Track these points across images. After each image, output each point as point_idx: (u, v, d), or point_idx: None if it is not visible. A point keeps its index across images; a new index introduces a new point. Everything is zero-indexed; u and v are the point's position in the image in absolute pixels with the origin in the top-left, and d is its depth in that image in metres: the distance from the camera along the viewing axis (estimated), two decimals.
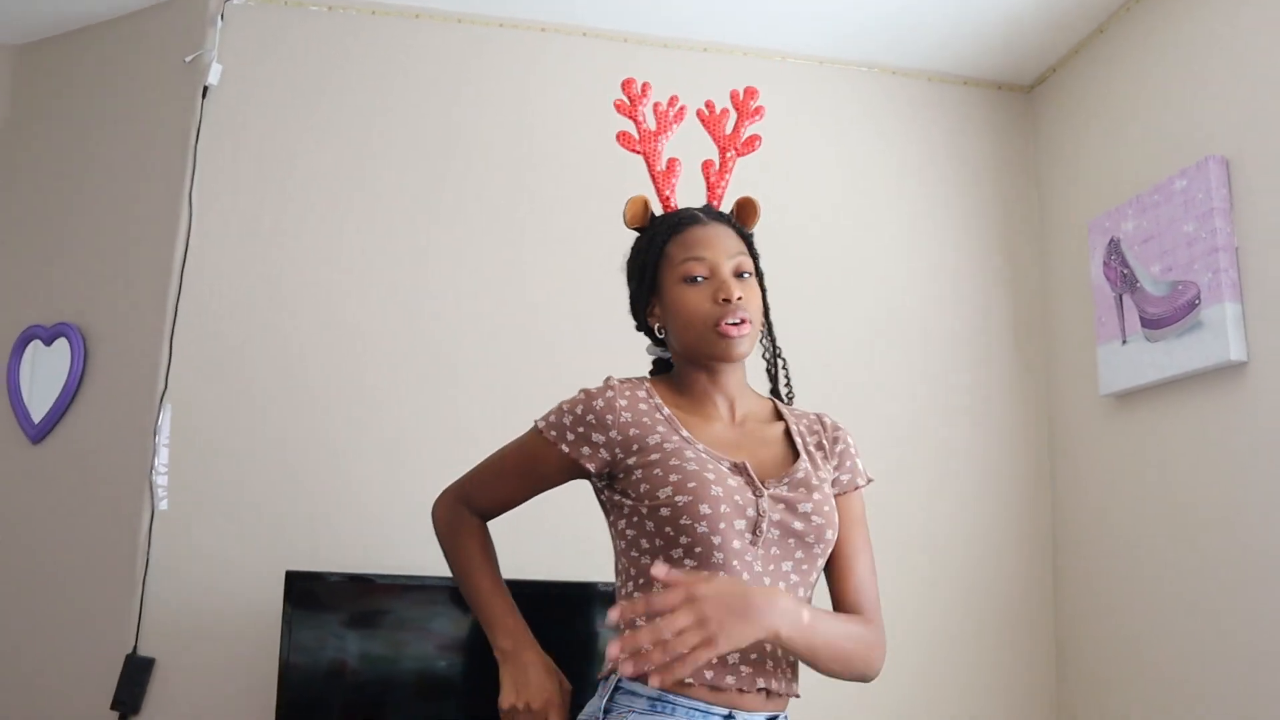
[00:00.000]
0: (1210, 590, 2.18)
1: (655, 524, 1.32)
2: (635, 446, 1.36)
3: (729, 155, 1.57)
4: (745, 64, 2.77)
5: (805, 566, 1.36)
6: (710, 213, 1.47)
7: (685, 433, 1.38)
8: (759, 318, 1.42)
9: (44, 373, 2.50)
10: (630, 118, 1.54)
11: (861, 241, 2.74)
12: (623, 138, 1.54)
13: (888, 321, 2.72)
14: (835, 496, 1.45)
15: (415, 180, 2.55)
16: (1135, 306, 2.41)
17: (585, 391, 1.41)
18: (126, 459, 2.35)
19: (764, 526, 1.32)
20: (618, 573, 1.40)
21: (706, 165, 1.56)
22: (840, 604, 1.42)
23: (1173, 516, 2.30)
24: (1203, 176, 2.23)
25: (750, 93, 1.60)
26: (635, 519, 1.35)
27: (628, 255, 1.52)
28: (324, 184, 2.51)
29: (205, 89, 2.48)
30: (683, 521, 1.30)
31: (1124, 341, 2.44)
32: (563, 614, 2.21)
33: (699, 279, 1.38)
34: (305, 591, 2.12)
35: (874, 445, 2.63)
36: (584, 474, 1.41)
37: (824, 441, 1.48)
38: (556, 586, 2.19)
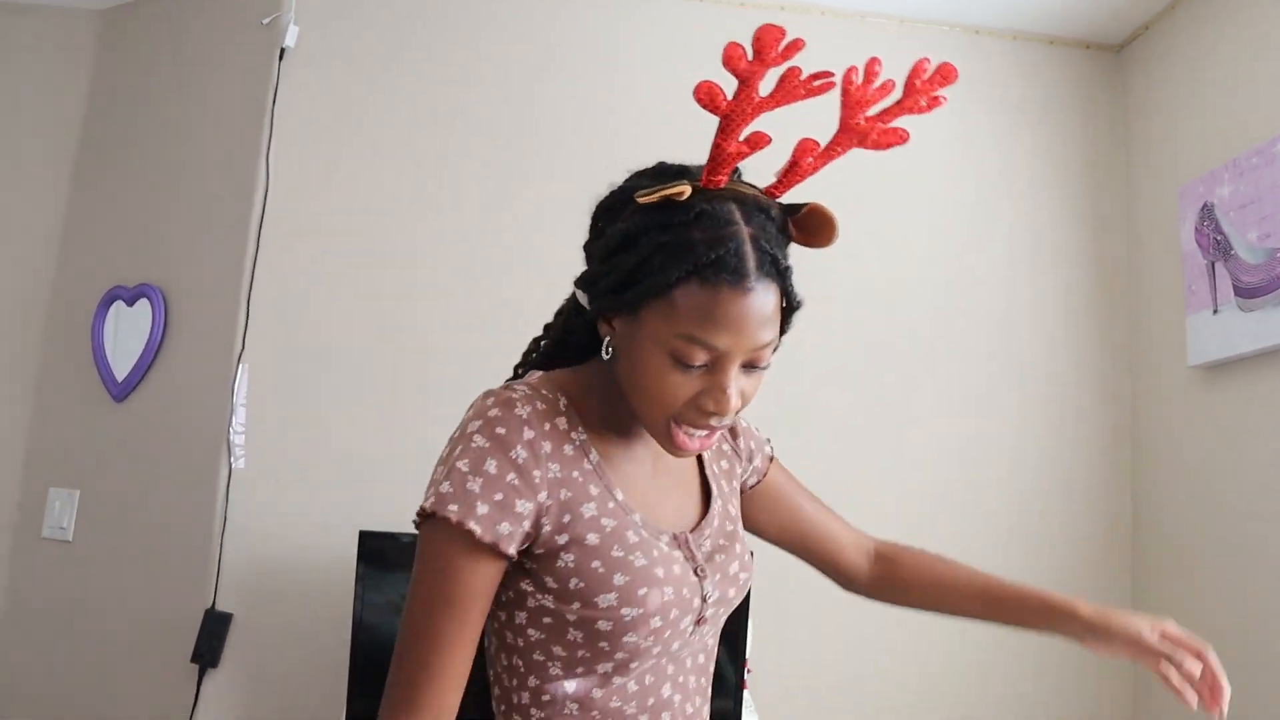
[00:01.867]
0: None
1: (584, 634, 0.99)
2: (566, 518, 0.98)
3: (847, 144, 1.02)
4: (821, 23, 2.71)
5: (723, 621, 1.14)
6: (762, 245, 0.94)
7: (620, 495, 1.03)
8: (744, 405, 1.00)
9: (126, 333, 2.55)
10: (742, 75, 0.94)
11: (941, 208, 2.67)
12: (705, 91, 0.94)
13: (968, 288, 2.65)
14: (754, 490, 1.24)
15: (491, 141, 2.54)
16: (1229, 274, 2.31)
17: (489, 434, 0.97)
18: (205, 418, 2.39)
19: (706, 613, 1.06)
20: (501, 667, 1.05)
21: (805, 148, 1.01)
22: (842, 553, 1.30)
23: (1266, 493, 2.21)
24: None
25: (946, 72, 1.05)
26: (549, 621, 1.00)
27: (609, 200, 1.07)
28: (399, 145, 2.51)
29: (282, 51, 2.49)
30: (626, 639, 0.99)
31: (1215, 311, 2.35)
32: None
33: (693, 367, 0.95)
34: (378, 551, 2.15)
35: (950, 418, 2.59)
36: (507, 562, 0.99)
37: (724, 447, 1.22)
38: None
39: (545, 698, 1.02)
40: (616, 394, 1.04)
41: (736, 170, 1.01)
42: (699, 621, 1.06)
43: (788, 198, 1.03)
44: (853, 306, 2.58)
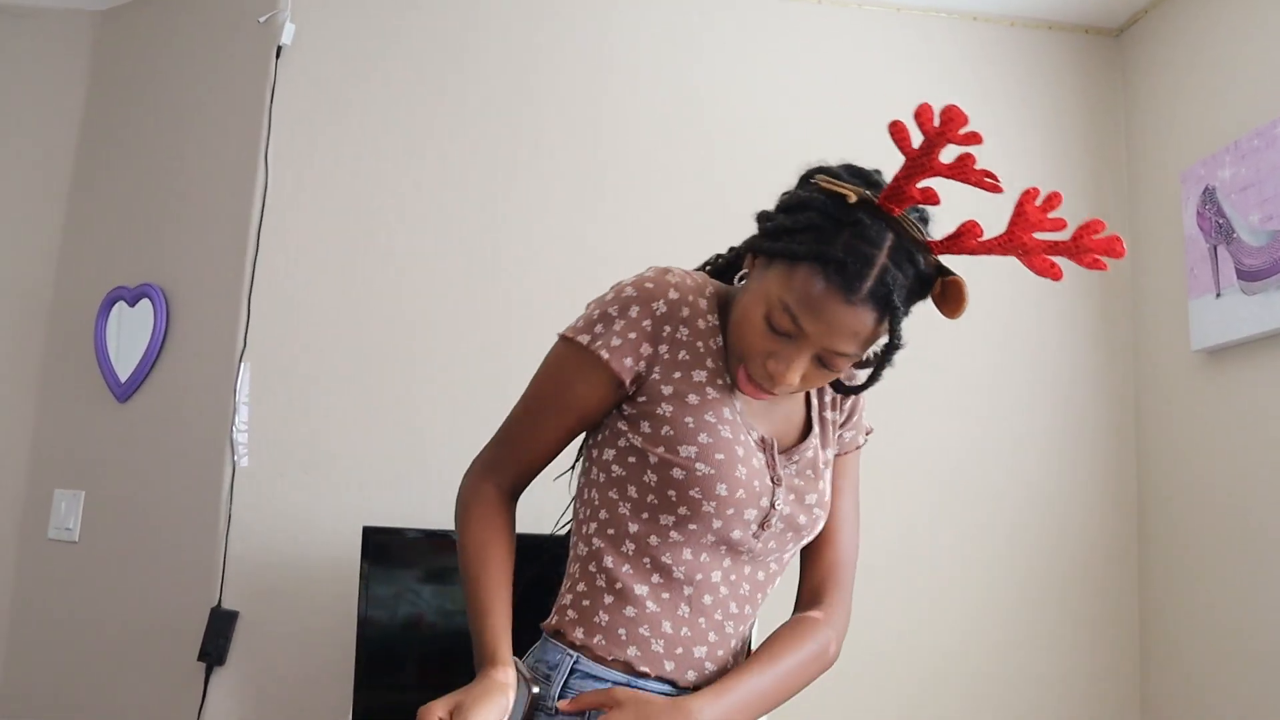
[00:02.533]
0: None
1: (658, 479, 1.11)
2: (677, 374, 1.12)
3: (1005, 250, 1.09)
4: (818, 10, 2.70)
5: (788, 556, 1.22)
6: (887, 282, 1.03)
7: (726, 378, 1.14)
8: (802, 390, 1.16)
9: (129, 333, 2.55)
10: (928, 135, 1.04)
11: (942, 195, 2.65)
12: (900, 127, 1.05)
13: (967, 274, 2.63)
14: (835, 457, 1.29)
15: (490, 137, 2.54)
16: (1231, 258, 2.30)
17: (639, 287, 1.13)
18: (208, 417, 2.39)
19: (772, 520, 1.16)
20: (582, 502, 1.20)
21: (970, 229, 1.08)
22: (807, 581, 1.26)
23: (1270, 479, 2.21)
24: None
25: (1115, 246, 1.06)
26: (633, 460, 1.13)
27: (811, 171, 1.14)
28: (398, 142, 2.51)
29: (279, 49, 2.49)
30: (692, 493, 1.10)
31: (1218, 295, 2.34)
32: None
33: (776, 332, 1.06)
34: (382, 546, 2.15)
35: (951, 402, 2.59)
36: (623, 392, 1.14)
37: (841, 404, 1.28)
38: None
39: (610, 531, 1.15)
40: None
41: (921, 211, 1.09)
42: (762, 526, 1.15)
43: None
44: None
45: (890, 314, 1.04)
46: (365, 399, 2.39)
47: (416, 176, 2.50)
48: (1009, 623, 2.53)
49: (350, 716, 2.12)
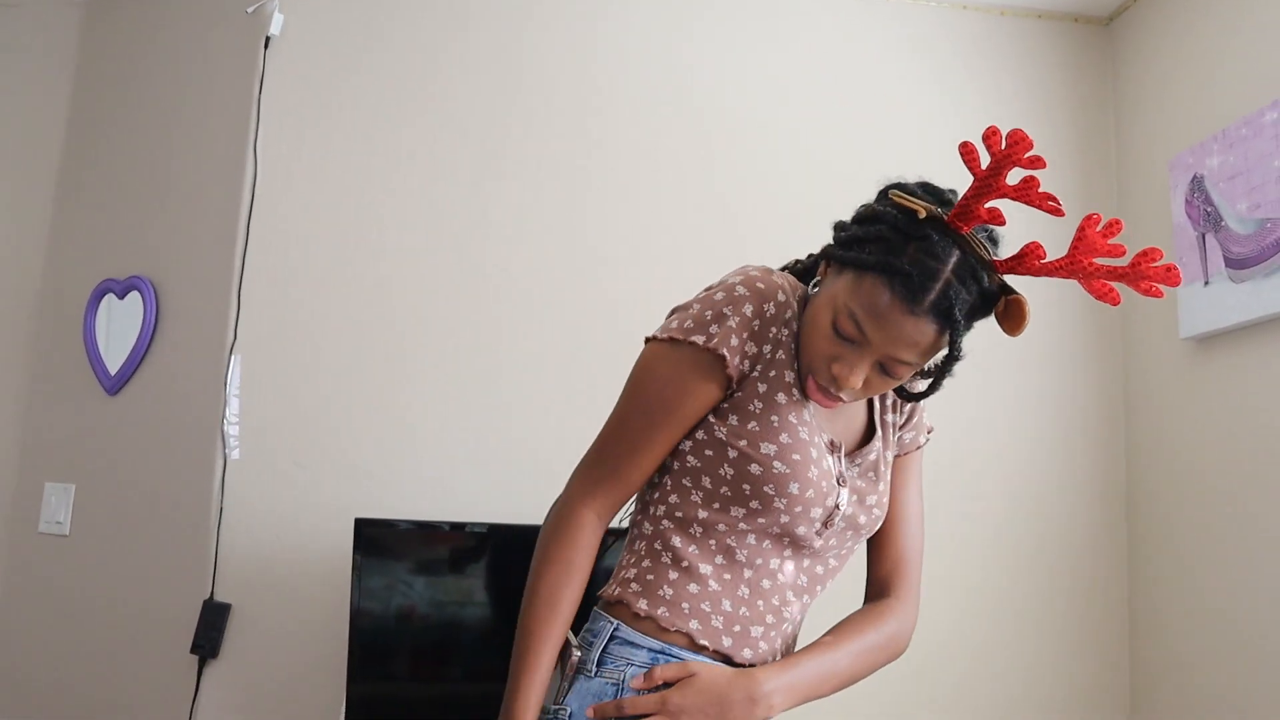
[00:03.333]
0: None
1: (735, 471, 1.16)
2: (772, 373, 1.16)
3: (1065, 273, 1.10)
4: (807, 3, 2.70)
5: (846, 553, 1.28)
6: (950, 296, 1.06)
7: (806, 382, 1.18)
8: (866, 396, 1.19)
9: (118, 326, 2.54)
10: (995, 155, 1.07)
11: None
12: (971, 148, 1.09)
13: None
14: (895, 458, 1.33)
15: (480, 129, 2.53)
16: (1219, 246, 2.31)
17: (750, 285, 1.15)
18: (199, 409, 2.39)
19: (835, 520, 1.21)
20: (651, 484, 1.23)
21: (1033, 250, 1.09)
22: (874, 572, 1.31)
23: (1258, 467, 2.22)
24: None
25: (1172, 275, 1.12)
26: (711, 453, 1.17)
27: (890, 187, 1.16)
28: (388, 133, 2.50)
29: (267, 39, 2.47)
30: (766, 489, 1.15)
31: (1206, 283, 2.35)
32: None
33: (841, 337, 1.11)
34: (374, 538, 2.15)
35: (942, 395, 2.58)
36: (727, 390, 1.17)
37: (897, 400, 1.33)
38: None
39: (679, 514, 1.19)
40: None
41: (990, 230, 1.12)
42: (826, 524, 1.20)
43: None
44: None
45: (951, 327, 1.07)
46: (357, 391, 2.39)
47: (406, 168, 2.50)
48: (998, 612, 2.55)
49: (344, 708, 2.12)
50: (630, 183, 2.55)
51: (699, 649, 1.18)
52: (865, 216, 1.14)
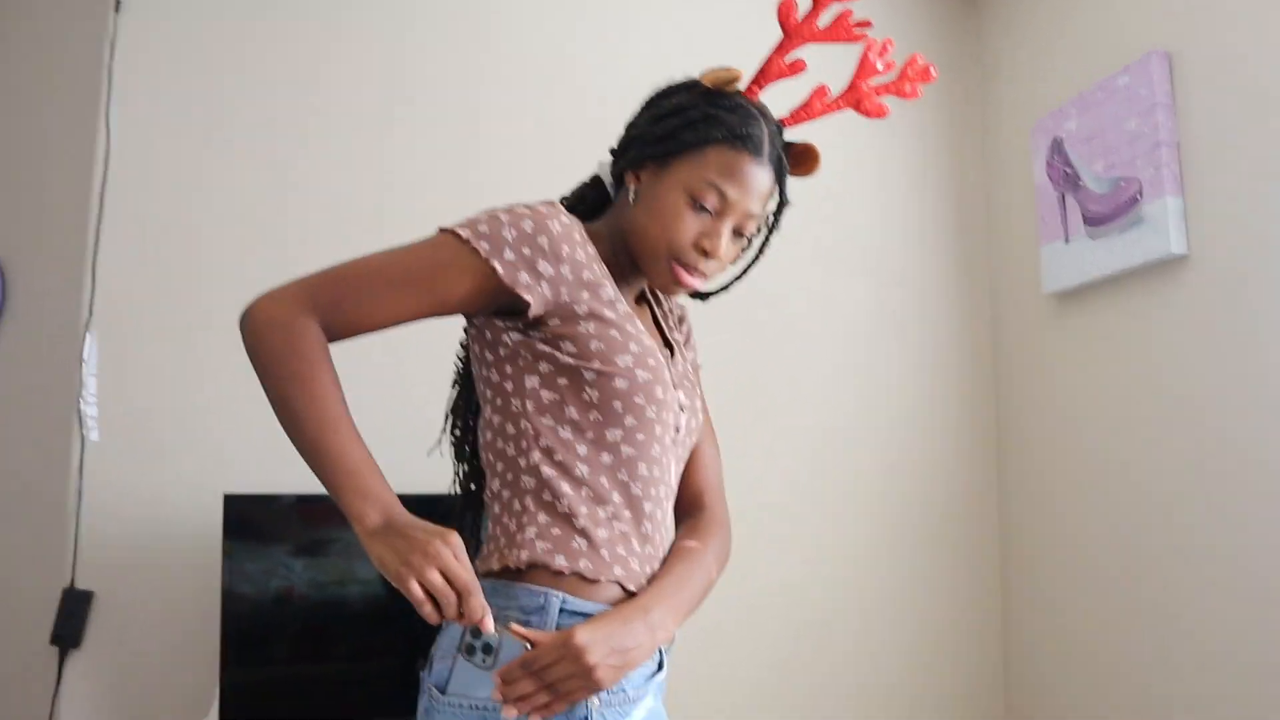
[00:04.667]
0: (1159, 486, 2.20)
1: (600, 395, 1.13)
2: (586, 294, 1.14)
3: (847, 102, 1.29)
4: None
5: (682, 464, 1.28)
6: (775, 144, 1.21)
7: (622, 300, 1.19)
8: (719, 272, 1.23)
9: None
10: (817, 3, 1.24)
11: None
12: (786, 6, 1.24)
13: (828, 226, 2.69)
14: None
15: (349, 85, 2.46)
16: (1078, 205, 2.40)
17: (531, 208, 1.14)
18: (54, 390, 2.26)
19: (682, 424, 1.23)
20: (507, 438, 1.15)
21: (820, 91, 1.28)
22: (684, 493, 1.30)
23: (1122, 415, 2.32)
24: (1145, 72, 2.21)
25: (928, 72, 1.35)
26: (565, 382, 1.14)
27: (667, 88, 1.26)
28: (251, 95, 2.40)
29: (117, 3, 2.35)
30: (636, 400, 1.14)
31: (1067, 240, 2.43)
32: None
33: (704, 208, 1.17)
34: (244, 515, 2.07)
35: (812, 349, 2.63)
36: (496, 306, 1.13)
37: (675, 321, 1.37)
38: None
39: (558, 457, 1.13)
40: (619, 244, 1.23)
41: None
42: (676, 429, 1.21)
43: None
44: None
45: (780, 172, 1.22)
46: (222, 363, 2.28)
47: (269, 130, 2.40)
48: (874, 569, 2.61)
49: (217, 696, 2.05)
50: (519, 145, 2.51)
51: (628, 595, 1.14)
52: (673, 110, 1.21)
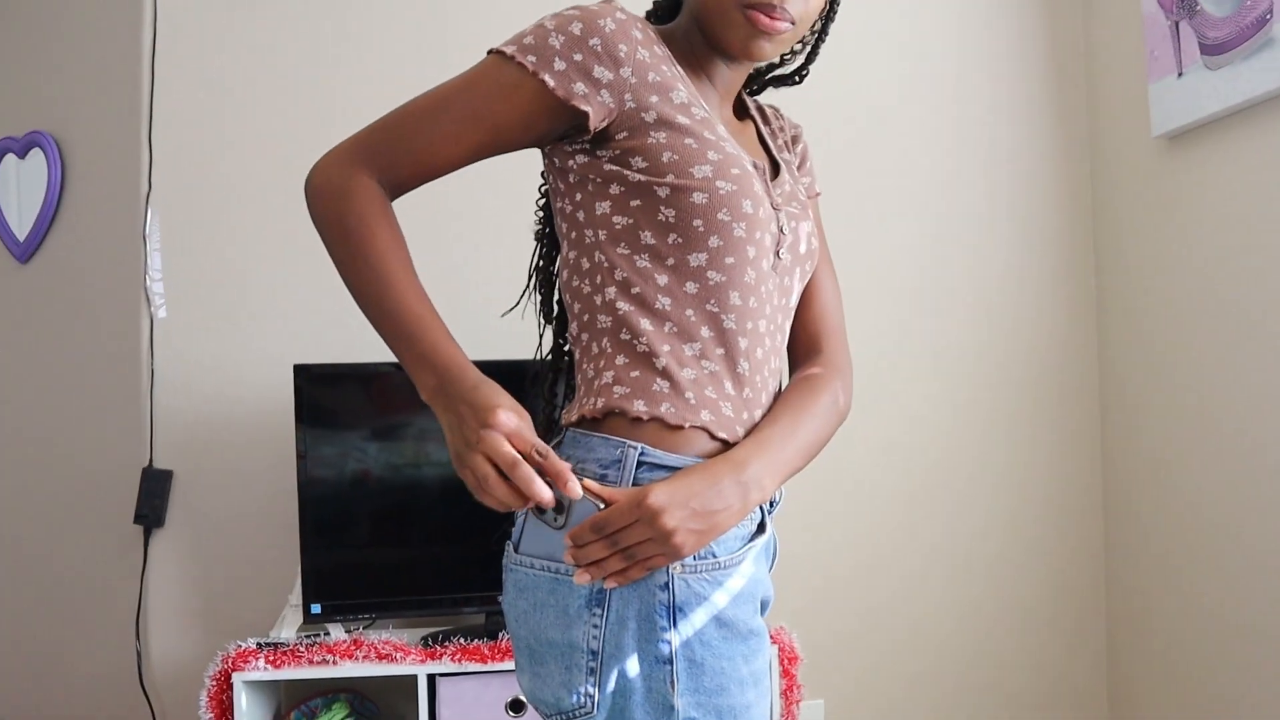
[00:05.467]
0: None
1: (677, 212, 0.99)
2: (654, 98, 1.00)
3: None
4: None
5: (795, 299, 1.14)
6: None
7: (703, 103, 1.04)
8: (806, 22, 1.06)
9: (23, 188, 2.35)
10: None
11: None
12: None
13: (914, 64, 2.50)
14: None
15: None
16: (1194, 33, 2.19)
17: (580, 7, 1.00)
18: (119, 269, 2.22)
19: (783, 248, 1.07)
20: (581, 274, 1.05)
21: None
22: (800, 329, 1.16)
23: (1239, 268, 2.14)
24: None
25: None
26: (638, 202, 1.00)
27: None
28: None
29: None
30: (720, 216, 0.99)
31: (1180, 74, 2.23)
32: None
33: None
34: (316, 384, 2.02)
35: (898, 197, 2.48)
36: (560, 128, 1.02)
37: (786, 141, 1.22)
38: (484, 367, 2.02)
39: (635, 290, 1.01)
40: (695, 39, 1.08)
41: None
42: (776, 253, 1.06)
43: None
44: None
45: None
46: (286, 231, 2.21)
47: None
48: (970, 422, 2.49)
49: (299, 575, 2.03)
50: None
51: (718, 442, 1.01)
52: None
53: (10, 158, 2.37)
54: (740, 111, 1.18)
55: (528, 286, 1.20)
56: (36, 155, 2.34)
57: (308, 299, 2.20)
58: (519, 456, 0.90)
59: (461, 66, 1.05)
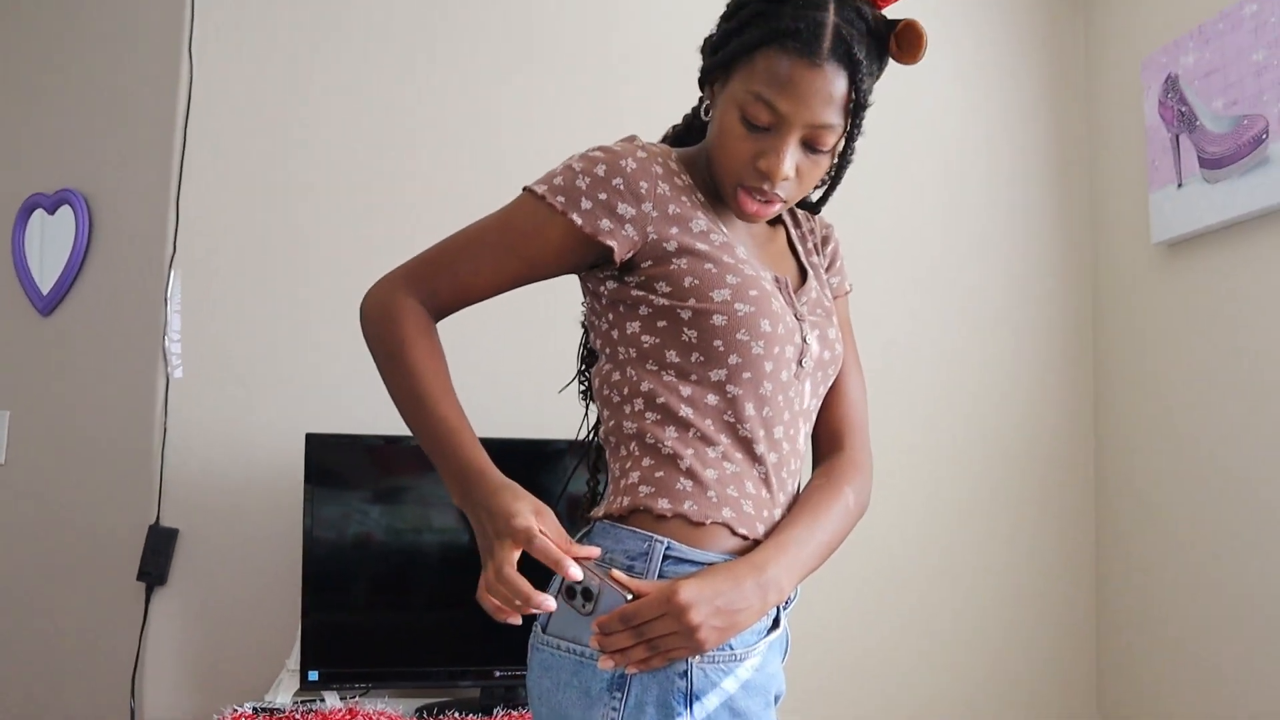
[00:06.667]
0: (1273, 453, 2.08)
1: (699, 334, 1.06)
2: (675, 229, 1.07)
3: None
4: None
5: (819, 403, 1.19)
6: (844, 36, 1.02)
7: (725, 228, 1.11)
8: (804, 192, 1.12)
9: (50, 243, 2.41)
10: None
11: (896, 82, 2.57)
12: None
13: (922, 163, 2.58)
14: None
15: (430, 24, 2.40)
16: (1193, 147, 2.26)
17: (604, 149, 1.08)
18: (139, 327, 2.27)
19: (806, 358, 1.12)
20: (613, 385, 1.12)
21: None
22: (823, 428, 1.21)
23: (1232, 372, 2.19)
24: None
25: None
26: (664, 324, 1.08)
27: None
28: (335, 31, 2.36)
29: None
30: (739, 336, 1.06)
31: (1180, 185, 2.30)
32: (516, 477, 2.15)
33: (757, 128, 1.05)
34: (326, 454, 2.06)
35: (903, 299, 2.54)
36: (590, 259, 1.10)
37: (816, 244, 1.27)
38: (510, 445, 1.97)
39: (660, 401, 1.08)
40: (712, 168, 1.13)
41: None
42: (799, 363, 1.11)
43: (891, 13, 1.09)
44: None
45: (853, 68, 1.03)
46: (304, 301, 2.27)
47: (353, 66, 2.35)
48: (965, 522, 2.52)
49: (298, 637, 2.05)
50: (582, 73, 2.44)
51: (739, 539, 1.06)
52: (729, 11, 1.10)
53: (39, 213, 2.43)
54: (772, 218, 1.22)
55: (576, 374, 1.29)
56: (66, 212, 2.39)
57: (320, 367, 2.24)
58: (517, 580, 0.97)
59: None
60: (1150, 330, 2.44)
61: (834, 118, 1.04)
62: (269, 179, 2.30)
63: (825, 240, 1.29)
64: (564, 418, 1.38)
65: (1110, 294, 2.59)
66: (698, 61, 1.14)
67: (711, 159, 1.11)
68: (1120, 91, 2.55)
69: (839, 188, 1.21)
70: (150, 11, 2.37)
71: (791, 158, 1.05)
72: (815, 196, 1.26)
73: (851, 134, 1.09)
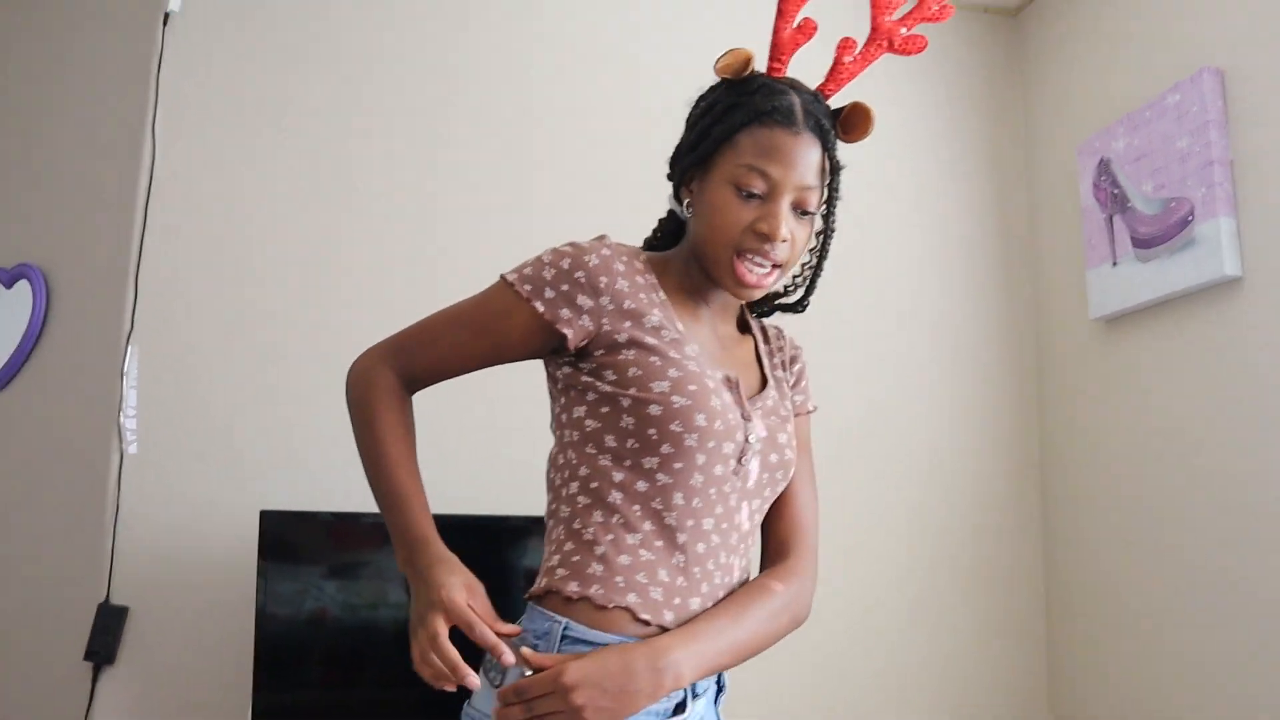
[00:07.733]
0: (1206, 516, 2.14)
1: (636, 421, 1.12)
2: (628, 323, 1.14)
3: (879, 45, 1.24)
4: None
5: (764, 504, 1.23)
6: (811, 111, 1.16)
7: (680, 327, 1.18)
8: (795, 260, 1.20)
9: (6, 317, 2.41)
10: None
11: (849, 169, 2.67)
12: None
13: (869, 247, 2.66)
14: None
15: (392, 108, 2.46)
16: (1126, 227, 2.36)
17: (574, 245, 1.18)
18: (94, 403, 2.26)
19: (748, 456, 1.16)
20: (557, 468, 1.19)
21: (845, 45, 1.23)
22: (771, 536, 1.26)
23: (1167, 440, 2.26)
24: (1197, 89, 2.17)
25: None
26: (606, 410, 1.14)
27: (699, 96, 1.25)
28: (294, 114, 2.41)
29: (166, 16, 2.37)
30: (672, 427, 1.11)
31: (1114, 263, 2.39)
32: (475, 551, 2.16)
33: (752, 195, 1.15)
34: (280, 531, 2.06)
35: (853, 372, 2.60)
36: (551, 344, 1.17)
37: (784, 361, 1.33)
38: (468, 521, 2.05)
39: (593, 485, 1.13)
40: (692, 265, 1.22)
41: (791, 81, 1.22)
42: (739, 460, 1.15)
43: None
44: None
45: (824, 137, 1.17)
46: (261, 379, 2.28)
47: (312, 149, 2.41)
48: (914, 597, 2.55)
49: (249, 714, 2.02)
50: (565, 161, 2.51)
51: (641, 623, 1.09)
52: (701, 112, 1.21)
53: None
54: (743, 326, 1.32)
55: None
56: (22, 286, 2.40)
57: (276, 444, 2.25)
58: (451, 655, 1.03)
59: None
60: (1093, 402, 2.51)
61: (816, 179, 1.16)
62: (227, 257, 2.32)
63: (793, 360, 1.35)
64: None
65: (1052, 366, 2.67)
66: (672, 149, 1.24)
67: (702, 242, 1.18)
68: (1058, 174, 2.66)
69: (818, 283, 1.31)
70: (115, 90, 2.41)
71: (785, 220, 1.15)
72: (796, 296, 1.33)
73: (831, 199, 1.21)
